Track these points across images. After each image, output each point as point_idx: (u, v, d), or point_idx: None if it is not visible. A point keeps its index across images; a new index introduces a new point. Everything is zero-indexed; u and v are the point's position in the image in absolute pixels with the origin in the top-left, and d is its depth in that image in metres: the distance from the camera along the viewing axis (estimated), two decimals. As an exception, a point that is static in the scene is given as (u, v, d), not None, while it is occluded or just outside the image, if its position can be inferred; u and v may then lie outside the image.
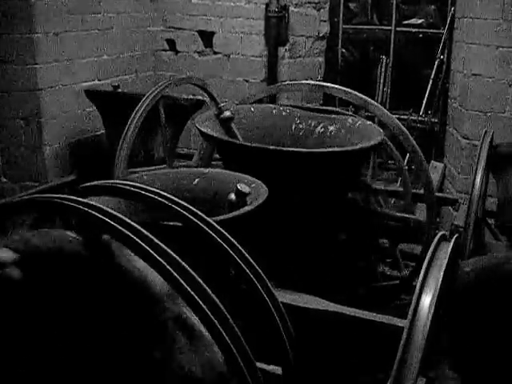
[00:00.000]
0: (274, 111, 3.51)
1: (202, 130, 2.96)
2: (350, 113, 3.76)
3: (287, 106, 3.64)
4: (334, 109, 3.99)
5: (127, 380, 1.44)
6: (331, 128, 3.35)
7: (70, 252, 1.55)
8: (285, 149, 2.91)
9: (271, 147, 2.82)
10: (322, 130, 3.36)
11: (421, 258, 3.50)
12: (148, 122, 3.86)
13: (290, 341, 1.75)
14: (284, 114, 3.50)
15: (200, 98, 4.56)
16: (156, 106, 3.91)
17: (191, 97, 4.66)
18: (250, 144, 2.95)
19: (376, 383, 2.24)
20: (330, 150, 2.99)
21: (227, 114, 3.23)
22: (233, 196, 2.38)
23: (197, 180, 2.66)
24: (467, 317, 1.96)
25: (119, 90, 4.66)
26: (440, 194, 4.26)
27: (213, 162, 4.06)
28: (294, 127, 3.44)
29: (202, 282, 1.48)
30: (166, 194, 1.84)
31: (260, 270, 1.78)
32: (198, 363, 1.46)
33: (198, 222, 1.77)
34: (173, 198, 1.82)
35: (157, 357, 1.46)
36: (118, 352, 1.46)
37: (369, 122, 3.30)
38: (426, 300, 1.39)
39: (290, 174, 2.81)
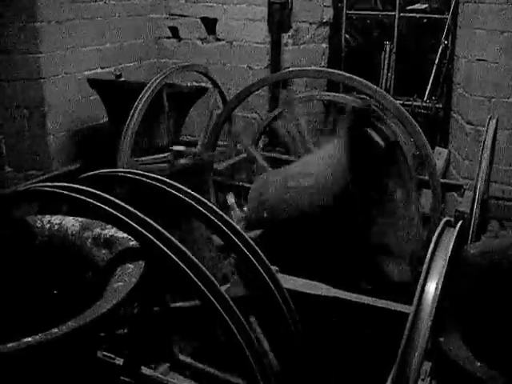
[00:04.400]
0: None
1: None
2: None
3: None
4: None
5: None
6: None
7: None
8: None
9: None
10: None
11: (426, 243, 3.49)
12: (152, 109, 3.86)
13: (295, 326, 1.76)
14: None
15: (203, 85, 4.55)
16: (160, 94, 3.91)
17: (194, 84, 4.65)
18: None
19: (381, 369, 2.25)
20: None
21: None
22: None
23: None
24: (474, 297, 1.96)
25: (122, 79, 4.65)
26: (445, 180, 4.25)
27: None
28: None
29: (200, 265, 1.50)
30: (167, 180, 1.84)
31: (263, 256, 1.79)
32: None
33: (195, 204, 1.79)
34: (174, 183, 1.83)
35: (89, 277, 1.61)
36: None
37: None
38: (432, 286, 1.39)
39: None
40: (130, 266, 1.47)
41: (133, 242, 1.57)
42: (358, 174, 2.91)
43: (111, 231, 1.63)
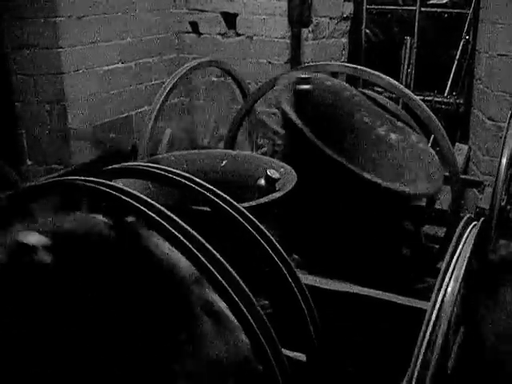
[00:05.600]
0: (345, 93, 3.40)
1: (292, 118, 2.79)
2: (415, 125, 3.55)
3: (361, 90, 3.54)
4: (403, 113, 3.70)
5: (151, 361, 1.45)
6: (392, 136, 3.26)
7: (98, 236, 1.53)
8: (367, 177, 2.73)
9: (358, 173, 2.68)
10: (383, 133, 3.27)
11: (445, 240, 3.47)
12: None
13: (313, 323, 1.75)
14: (354, 99, 3.38)
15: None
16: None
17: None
18: (340, 160, 2.71)
19: (397, 366, 2.24)
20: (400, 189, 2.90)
21: (305, 87, 3.12)
22: (262, 181, 2.38)
23: (225, 162, 2.65)
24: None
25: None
26: (465, 177, 4.22)
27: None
28: (357, 117, 3.34)
29: (228, 265, 1.48)
30: (191, 176, 1.84)
31: (284, 252, 1.79)
32: (224, 347, 1.45)
33: (223, 205, 1.77)
34: (198, 180, 1.83)
35: (182, 339, 1.45)
36: (144, 334, 1.47)
37: (431, 151, 3.21)
38: (451, 283, 1.38)
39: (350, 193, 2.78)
40: None
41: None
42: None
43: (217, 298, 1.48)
